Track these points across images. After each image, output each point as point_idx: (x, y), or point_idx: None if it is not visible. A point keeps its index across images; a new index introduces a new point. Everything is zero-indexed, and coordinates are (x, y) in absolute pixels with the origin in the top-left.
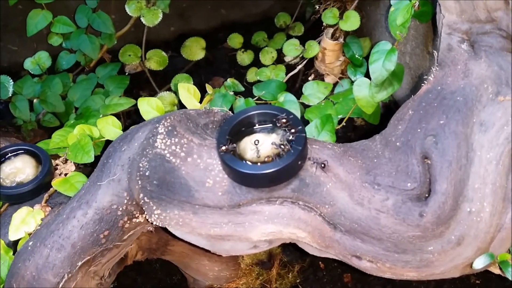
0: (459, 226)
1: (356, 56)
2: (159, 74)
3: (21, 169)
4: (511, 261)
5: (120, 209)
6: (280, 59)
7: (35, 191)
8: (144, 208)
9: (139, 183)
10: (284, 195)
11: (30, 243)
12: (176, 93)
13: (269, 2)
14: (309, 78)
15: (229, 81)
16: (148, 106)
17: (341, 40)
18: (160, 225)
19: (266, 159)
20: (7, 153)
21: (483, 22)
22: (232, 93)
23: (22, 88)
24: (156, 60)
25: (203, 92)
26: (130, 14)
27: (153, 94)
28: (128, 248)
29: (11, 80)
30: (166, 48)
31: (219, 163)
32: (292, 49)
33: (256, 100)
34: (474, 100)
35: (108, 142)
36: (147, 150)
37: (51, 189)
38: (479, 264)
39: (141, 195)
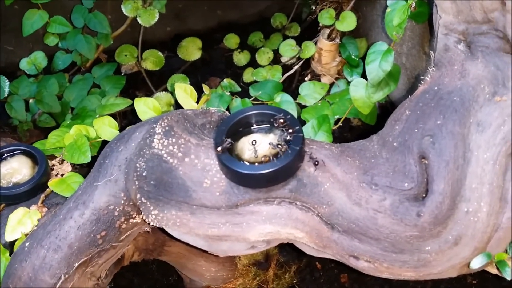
0: (457, 226)
1: (353, 56)
2: (155, 74)
3: (17, 170)
4: (508, 260)
5: (117, 209)
6: (276, 59)
7: (31, 191)
8: (141, 209)
9: (136, 183)
10: (282, 195)
11: (27, 244)
12: (172, 93)
13: (265, 2)
14: (306, 79)
15: (226, 81)
16: (145, 106)
17: (338, 40)
18: (157, 226)
19: (263, 159)
20: (3, 153)
21: (480, 22)
22: (228, 93)
23: (18, 88)
24: (152, 60)
25: (200, 92)
26: (126, 14)
27: (149, 94)
28: (125, 249)
29: (7, 80)
30: (162, 48)
31: (217, 164)
32: (288, 50)
33: (253, 100)
34: (471, 101)
35: (104, 142)
36: (144, 150)
37: (47, 189)
38: (477, 264)
39: (138, 195)
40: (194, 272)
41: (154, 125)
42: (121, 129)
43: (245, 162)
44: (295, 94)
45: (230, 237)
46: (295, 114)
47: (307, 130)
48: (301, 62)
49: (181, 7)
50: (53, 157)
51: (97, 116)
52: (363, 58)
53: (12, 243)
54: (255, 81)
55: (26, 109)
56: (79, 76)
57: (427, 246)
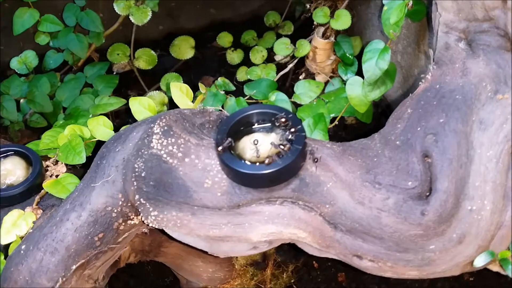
0: (461, 224)
1: (347, 55)
2: (147, 73)
3: (11, 171)
4: (511, 258)
5: (115, 210)
6: (270, 58)
7: (26, 193)
8: (139, 210)
9: (135, 184)
10: (284, 195)
11: (23, 247)
12: (166, 92)
13: (258, 1)
14: (300, 77)
15: (220, 80)
16: (140, 106)
17: (332, 39)
18: (157, 227)
19: (266, 160)
20: None
21: (481, 20)
22: (223, 92)
23: (9, 88)
24: (145, 59)
25: (195, 91)
26: (118, 13)
27: (142, 93)
28: (122, 250)
29: None
30: (154, 47)
31: (218, 164)
32: (283, 48)
33: (247, 99)
34: (473, 99)
35: (99, 143)
36: (143, 151)
37: (42, 191)
38: (480, 262)
39: (137, 196)
40: (191, 273)
41: (152, 125)
42: (114, 129)
43: (246, 161)
44: (289, 93)
45: (232, 237)
46: None
47: None
48: (295, 61)
49: (174, 6)
50: (46, 158)
51: (91, 116)
52: (357, 57)
53: (7, 246)
54: (249, 80)
55: (17, 109)
56: (71, 75)
57: (431, 245)
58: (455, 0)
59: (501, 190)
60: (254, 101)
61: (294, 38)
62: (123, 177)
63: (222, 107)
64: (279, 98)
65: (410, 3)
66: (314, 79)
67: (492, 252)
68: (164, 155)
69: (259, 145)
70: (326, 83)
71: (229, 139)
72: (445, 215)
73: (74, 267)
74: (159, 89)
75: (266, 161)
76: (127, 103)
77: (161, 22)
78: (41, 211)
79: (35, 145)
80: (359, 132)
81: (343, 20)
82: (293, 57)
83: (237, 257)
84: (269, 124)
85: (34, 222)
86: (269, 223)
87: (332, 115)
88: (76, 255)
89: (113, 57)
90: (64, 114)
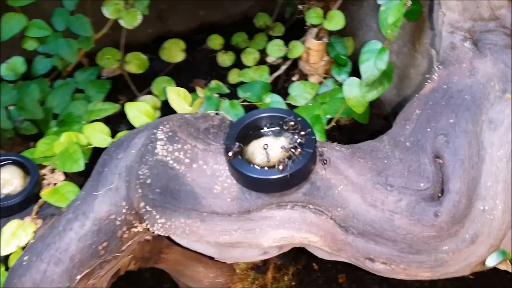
0: (473, 224)
1: (341, 55)
2: (137, 77)
3: (8, 181)
4: None
5: (119, 219)
6: (262, 60)
7: (24, 203)
8: (145, 217)
9: (139, 191)
10: (295, 199)
11: (25, 258)
12: (158, 96)
13: (248, 3)
14: (293, 79)
15: (214, 83)
16: (137, 111)
17: (326, 40)
18: (164, 234)
19: (280, 165)
20: None
21: (487, 20)
22: (217, 95)
23: None
24: (136, 63)
25: None
26: (107, 16)
27: (132, 98)
28: (126, 259)
29: None
30: (144, 50)
31: (227, 169)
32: (276, 50)
33: (242, 102)
34: (482, 98)
35: (95, 149)
36: (147, 157)
37: (40, 200)
38: (492, 261)
39: (142, 203)
40: (192, 279)
41: (155, 130)
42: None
43: (256, 166)
44: (282, 94)
45: (243, 243)
46: None
47: None
48: (289, 62)
49: (163, 9)
50: (41, 166)
51: (84, 122)
52: (350, 57)
53: (6, 257)
54: (241, 82)
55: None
56: (61, 81)
57: (445, 246)
58: (460, 0)
59: None
60: (248, 103)
61: (284, 40)
62: (126, 185)
63: (217, 110)
64: (274, 100)
65: (409, 2)
66: (307, 80)
67: (504, 251)
68: (171, 162)
69: (269, 150)
70: (319, 84)
71: (239, 144)
72: (458, 216)
73: (79, 277)
74: (150, 93)
75: (280, 167)
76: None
77: (150, 25)
78: (41, 220)
79: (30, 153)
80: (354, 133)
81: (336, 21)
82: (285, 58)
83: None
84: (278, 128)
85: (34, 232)
86: (280, 228)
87: (328, 116)
88: (81, 265)
89: (103, 61)
90: (56, 121)
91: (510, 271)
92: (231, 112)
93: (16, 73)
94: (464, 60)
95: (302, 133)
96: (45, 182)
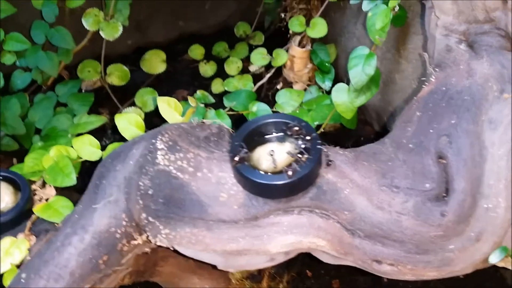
0: (478, 222)
1: (324, 62)
2: (118, 89)
3: None
4: None
5: (119, 231)
6: (244, 69)
7: (16, 219)
8: (147, 229)
9: (141, 202)
10: (302, 204)
11: (23, 276)
12: (141, 108)
13: (227, 12)
14: (278, 87)
15: (199, 93)
16: (127, 122)
17: (309, 47)
18: (167, 246)
19: (289, 171)
20: None
21: (482, 22)
22: (202, 105)
23: None
24: (117, 75)
25: None
26: (87, 28)
27: (114, 110)
28: (125, 272)
29: None
30: (124, 62)
31: (232, 176)
32: (260, 58)
33: (228, 111)
34: (481, 99)
35: (84, 163)
36: (147, 168)
37: (33, 216)
38: (495, 258)
39: (144, 215)
40: None
41: (153, 140)
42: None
43: (262, 172)
44: (265, 103)
45: (250, 250)
46: None
47: None
48: (273, 70)
49: (141, 19)
50: (31, 182)
51: (69, 135)
52: (333, 64)
53: (0, 276)
54: (225, 92)
55: None
56: (42, 95)
57: (451, 245)
58: (455, 2)
59: None
60: (234, 112)
61: (265, 48)
62: (126, 197)
63: (203, 119)
64: (260, 109)
65: (396, 8)
66: (291, 87)
67: (506, 247)
68: (174, 171)
69: (275, 155)
70: (304, 91)
71: (245, 150)
72: (464, 215)
73: None
74: (133, 104)
75: (290, 172)
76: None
77: (129, 37)
78: (34, 237)
79: (18, 169)
80: (340, 139)
81: (319, 28)
82: (267, 67)
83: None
84: (282, 134)
85: (29, 249)
86: (288, 234)
87: (316, 123)
88: (81, 280)
89: (84, 74)
90: (40, 136)
91: (509, 267)
92: (218, 121)
93: None
94: (461, 62)
95: (307, 137)
96: (36, 197)
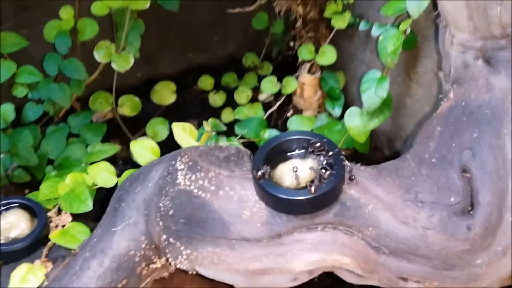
0: (504, 236)
1: (334, 89)
2: (129, 120)
3: (15, 224)
4: None
5: (138, 254)
6: (253, 98)
7: (33, 246)
8: (167, 251)
9: (160, 224)
10: (326, 220)
11: None
12: (153, 138)
13: (235, 44)
14: (288, 114)
15: (210, 120)
16: (142, 148)
17: (319, 74)
18: (187, 268)
19: (312, 187)
20: None
21: (498, 38)
22: (214, 132)
23: None
24: (129, 106)
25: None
26: (99, 60)
27: (126, 141)
28: None
29: None
30: (134, 94)
31: (255, 194)
32: (269, 86)
33: (239, 138)
34: (501, 113)
35: (100, 190)
36: (167, 189)
37: (49, 242)
38: None
39: (164, 236)
40: None
41: (173, 162)
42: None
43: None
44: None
45: (273, 269)
46: None
47: None
48: (283, 98)
49: (151, 52)
50: (46, 209)
51: (83, 164)
52: (342, 91)
53: None
54: (236, 120)
55: None
56: (53, 126)
57: (478, 260)
58: (471, 20)
59: None
60: (245, 140)
61: (275, 76)
62: (145, 218)
63: None
64: (272, 135)
65: (408, 30)
66: (302, 115)
67: None
68: (195, 190)
69: (298, 172)
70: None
71: (267, 166)
72: (490, 228)
73: None
74: (144, 135)
75: (313, 188)
76: None
77: (139, 69)
78: (51, 263)
79: (34, 197)
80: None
81: (328, 55)
82: (276, 95)
83: None
84: (303, 151)
85: (46, 275)
86: (312, 251)
87: None
88: None
89: (95, 105)
90: (52, 166)
91: None
92: None
93: (5, 121)
94: (479, 77)
95: (330, 153)
96: (52, 224)
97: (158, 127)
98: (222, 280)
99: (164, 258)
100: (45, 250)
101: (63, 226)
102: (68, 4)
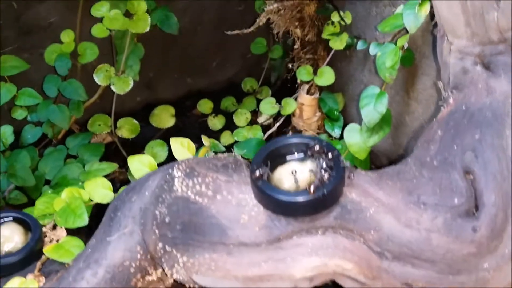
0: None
1: (333, 110)
2: (128, 144)
3: (8, 238)
4: None
5: (133, 265)
6: (252, 121)
7: (26, 259)
8: (163, 260)
9: (156, 232)
10: (327, 223)
11: None
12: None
13: (234, 69)
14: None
15: (210, 142)
16: (139, 164)
17: (317, 95)
18: (184, 277)
19: (312, 187)
20: None
21: (496, 43)
22: (213, 153)
23: None
24: (127, 128)
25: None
26: (99, 83)
27: (124, 164)
28: None
29: None
30: (133, 118)
31: (253, 197)
32: (269, 108)
33: None
34: (503, 115)
35: (97, 206)
36: (163, 196)
37: (43, 257)
38: None
39: (160, 245)
40: None
41: (170, 170)
42: None
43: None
44: None
45: (273, 276)
46: None
47: None
48: (282, 119)
49: (151, 77)
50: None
51: (81, 183)
52: (341, 112)
53: None
54: (234, 143)
55: None
56: (51, 148)
57: (485, 263)
58: (468, 26)
59: None
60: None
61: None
62: (141, 228)
63: None
64: None
65: (406, 45)
66: None
67: None
68: (192, 196)
69: (297, 174)
70: None
71: (266, 167)
72: (497, 230)
73: None
74: None
75: (312, 188)
76: None
77: (138, 93)
78: (44, 278)
79: (29, 212)
80: None
81: (326, 76)
82: (275, 118)
83: None
84: (302, 154)
85: None
86: (312, 255)
87: None
88: None
89: (94, 127)
90: (50, 186)
91: None
92: None
93: (4, 143)
94: (479, 82)
95: (329, 155)
96: (46, 239)
97: (156, 149)
98: None
99: (160, 270)
100: (38, 264)
101: (57, 241)
102: (69, 29)
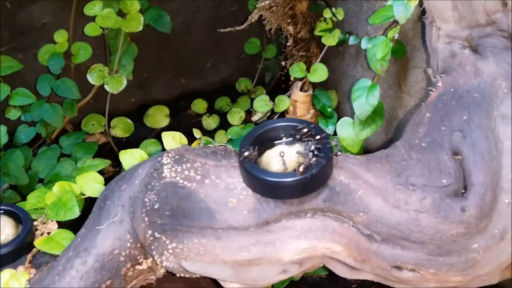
0: (501, 218)
1: (327, 107)
2: (122, 144)
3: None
4: None
5: (123, 254)
6: (246, 120)
7: (17, 251)
8: (152, 247)
9: (146, 220)
10: (315, 206)
11: None
12: None
13: (228, 70)
14: None
15: (203, 139)
16: (132, 158)
17: (311, 92)
18: (174, 265)
19: (301, 167)
20: None
21: (483, 25)
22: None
23: None
24: (121, 127)
25: None
26: (92, 83)
27: (118, 164)
28: None
29: None
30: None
31: (241, 181)
32: (262, 105)
33: None
34: (491, 95)
35: (88, 199)
36: (153, 184)
37: (34, 249)
38: None
39: (150, 232)
40: None
41: (159, 158)
42: None
43: None
44: None
45: (262, 259)
46: None
47: None
48: (276, 116)
49: (145, 77)
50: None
51: (73, 179)
52: (335, 109)
53: None
54: (229, 141)
55: None
56: (45, 147)
57: (474, 244)
58: (456, 9)
59: None
60: None
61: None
62: (131, 216)
63: None
64: None
65: (396, 35)
66: None
67: None
68: (181, 181)
69: (285, 156)
70: None
71: (254, 149)
72: (485, 209)
73: None
74: None
75: (301, 169)
76: None
77: (132, 94)
78: (35, 269)
79: (21, 206)
80: None
81: (319, 73)
82: (270, 116)
83: None
84: (291, 138)
85: (28, 281)
86: (301, 238)
87: None
88: None
89: (88, 127)
90: (43, 184)
91: None
92: None
93: None
94: (467, 64)
95: (317, 137)
96: (37, 232)
97: (150, 148)
98: (210, 275)
99: (150, 259)
100: (29, 257)
101: (49, 233)
102: (63, 29)
